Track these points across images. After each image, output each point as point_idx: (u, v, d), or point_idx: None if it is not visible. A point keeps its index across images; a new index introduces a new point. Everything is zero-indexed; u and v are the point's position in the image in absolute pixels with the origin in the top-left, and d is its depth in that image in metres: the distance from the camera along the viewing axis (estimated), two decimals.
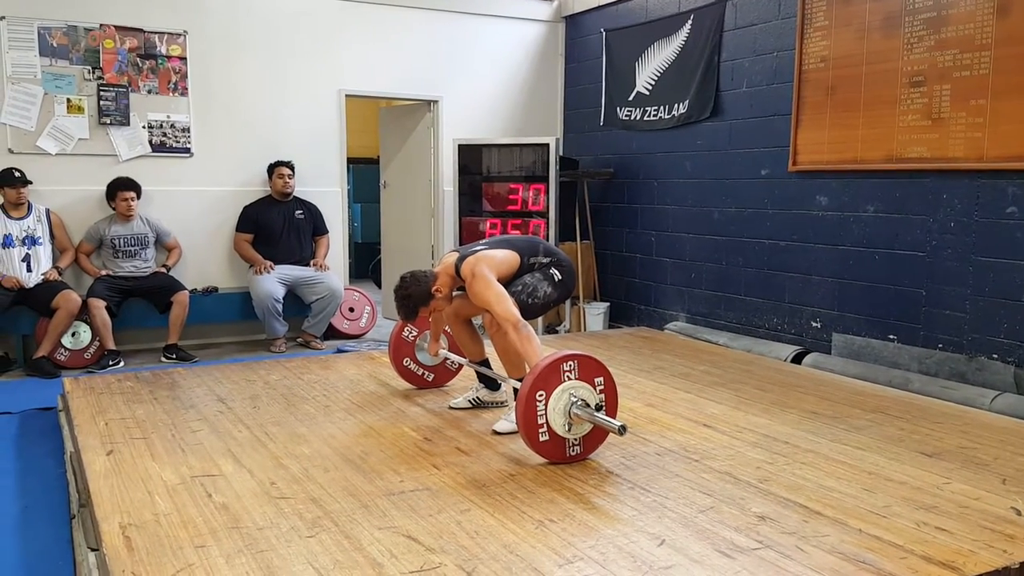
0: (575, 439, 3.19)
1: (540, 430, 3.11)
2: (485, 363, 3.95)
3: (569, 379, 3.13)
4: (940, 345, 4.65)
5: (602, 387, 3.21)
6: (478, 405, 3.96)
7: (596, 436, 3.24)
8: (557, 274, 3.69)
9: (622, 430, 3.03)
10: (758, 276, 5.75)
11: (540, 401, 3.09)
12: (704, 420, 3.81)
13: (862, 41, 4.94)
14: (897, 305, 4.87)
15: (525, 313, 3.48)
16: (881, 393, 4.39)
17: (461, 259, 3.61)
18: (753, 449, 3.39)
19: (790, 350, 5.31)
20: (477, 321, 3.98)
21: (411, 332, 4.26)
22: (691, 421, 3.79)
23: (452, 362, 4.28)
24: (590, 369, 3.20)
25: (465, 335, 3.93)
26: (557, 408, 3.11)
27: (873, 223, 4.99)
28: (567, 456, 3.19)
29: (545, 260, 3.70)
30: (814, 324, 5.37)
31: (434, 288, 3.61)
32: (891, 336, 4.91)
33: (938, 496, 2.89)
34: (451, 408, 3.97)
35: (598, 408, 3.16)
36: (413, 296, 3.59)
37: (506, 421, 3.57)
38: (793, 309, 5.51)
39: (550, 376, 3.10)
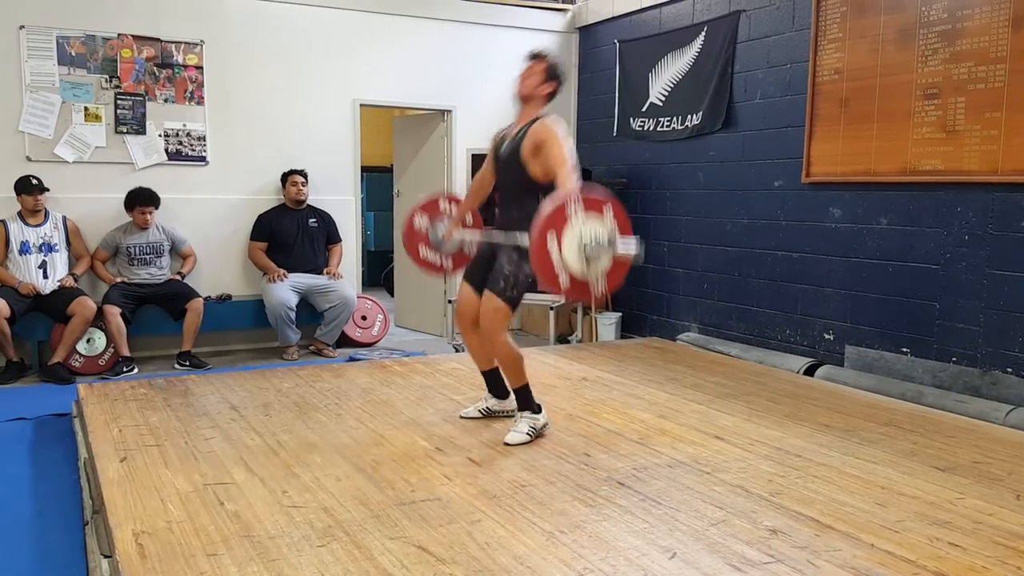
0: (597, 277, 3.13)
1: (560, 278, 3.06)
2: (494, 371, 3.95)
3: (577, 218, 3.06)
4: (954, 358, 4.63)
5: (611, 216, 3.12)
6: (489, 415, 3.97)
7: (616, 269, 3.16)
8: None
9: (639, 245, 3.01)
10: (771, 287, 5.74)
11: (552, 250, 3.02)
12: (716, 432, 3.80)
13: (876, 53, 4.94)
14: (910, 318, 4.85)
15: (513, 305, 3.52)
16: (894, 406, 4.37)
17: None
18: (765, 462, 3.38)
19: (803, 362, 5.29)
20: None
21: (423, 220, 4.13)
22: (703, 433, 3.78)
23: (469, 244, 4.14)
24: (594, 203, 3.11)
25: (477, 341, 3.93)
26: (571, 249, 3.05)
27: (887, 235, 4.97)
28: (596, 292, 3.15)
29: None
30: (827, 336, 5.35)
31: (548, 86, 3.62)
32: (904, 349, 4.89)
33: (952, 511, 2.87)
34: (462, 418, 3.98)
35: (611, 242, 3.09)
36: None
37: (516, 433, 3.57)
38: (806, 321, 5.49)
39: (557, 219, 3.03)
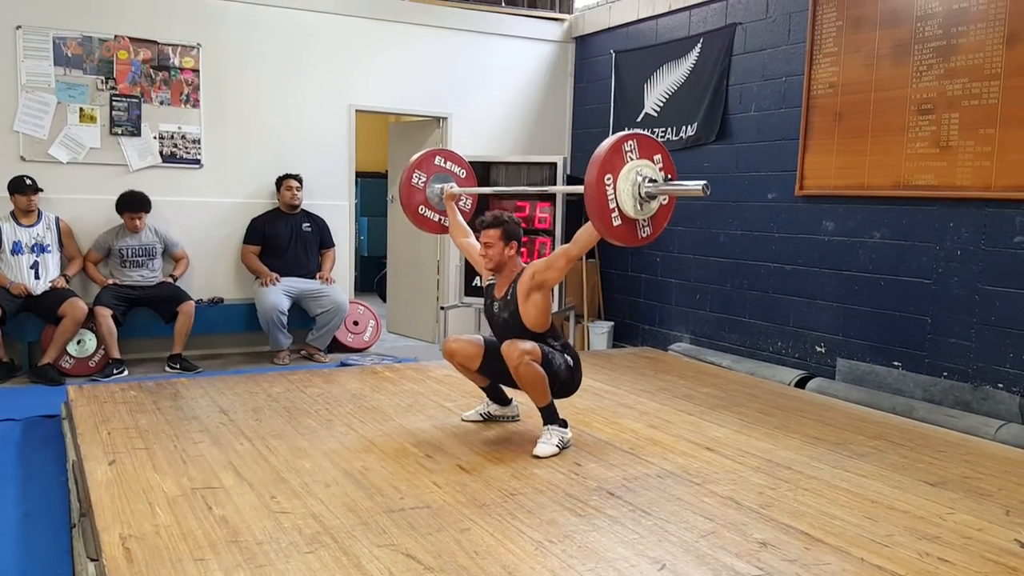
0: (644, 220, 3.30)
1: (612, 215, 3.20)
2: (491, 385, 3.96)
3: (632, 159, 3.21)
4: (945, 373, 4.64)
5: (661, 164, 3.32)
6: (489, 419, 4.01)
7: (661, 216, 3.37)
8: (569, 359, 3.69)
9: (706, 188, 3.15)
10: (763, 299, 5.75)
11: (608, 185, 3.16)
12: (707, 443, 3.79)
13: (871, 68, 4.96)
14: (902, 332, 4.86)
15: (545, 356, 3.55)
16: (884, 420, 4.38)
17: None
18: (755, 474, 3.38)
19: (794, 374, 5.30)
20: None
21: (420, 178, 4.27)
22: (693, 444, 3.78)
23: (465, 202, 4.35)
24: (649, 147, 3.29)
25: (469, 372, 3.94)
26: (625, 189, 3.20)
27: (879, 249, 4.99)
28: (639, 238, 3.31)
29: (557, 345, 3.70)
30: (818, 349, 5.36)
31: (511, 248, 3.68)
32: (896, 363, 4.90)
33: (941, 526, 2.87)
34: (463, 420, 4.02)
35: (661, 188, 3.27)
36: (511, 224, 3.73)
37: (546, 444, 3.54)
38: (797, 333, 5.50)
39: (614, 158, 3.18)
